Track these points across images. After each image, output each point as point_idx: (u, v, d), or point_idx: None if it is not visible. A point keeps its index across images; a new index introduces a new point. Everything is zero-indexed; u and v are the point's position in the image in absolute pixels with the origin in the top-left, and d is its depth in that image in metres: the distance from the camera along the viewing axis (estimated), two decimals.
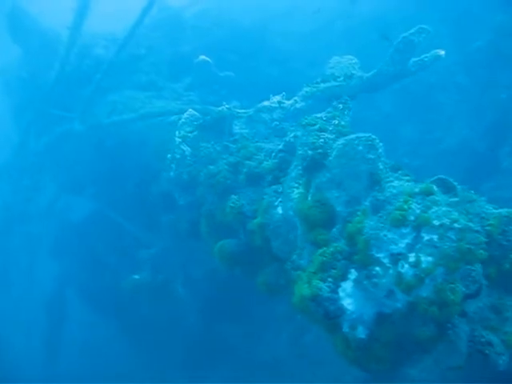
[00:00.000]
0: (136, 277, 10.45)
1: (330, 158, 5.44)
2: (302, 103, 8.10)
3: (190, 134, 8.48)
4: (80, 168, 13.46)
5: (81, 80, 13.89)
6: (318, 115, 6.36)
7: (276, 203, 6.24)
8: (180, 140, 8.43)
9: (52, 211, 14.67)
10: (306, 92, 8.10)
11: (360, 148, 5.13)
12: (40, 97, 14.36)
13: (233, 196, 7.08)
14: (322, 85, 8.14)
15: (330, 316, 4.90)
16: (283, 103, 8.05)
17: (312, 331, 12.04)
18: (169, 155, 9.12)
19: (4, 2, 15.37)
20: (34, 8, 15.45)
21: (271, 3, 16.60)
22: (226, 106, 8.09)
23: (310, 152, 5.70)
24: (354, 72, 8.47)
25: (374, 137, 5.15)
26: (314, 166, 5.64)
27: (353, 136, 5.21)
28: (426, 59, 7.63)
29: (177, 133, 8.67)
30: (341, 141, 5.32)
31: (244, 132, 7.92)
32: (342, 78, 8.16)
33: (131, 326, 12.76)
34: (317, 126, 6.18)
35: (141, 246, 12.33)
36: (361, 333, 4.91)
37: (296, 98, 8.13)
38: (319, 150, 5.69)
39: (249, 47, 14.92)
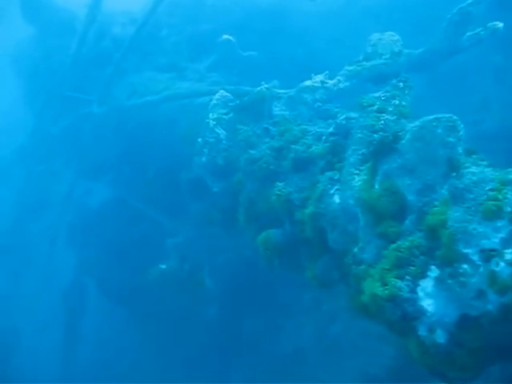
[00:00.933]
0: (163, 266, 9.92)
1: (403, 142, 4.86)
2: (346, 83, 7.51)
3: (224, 116, 7.90)
4: (98, 153, 12.89)
5: (98, 61, 13.30)
6: (376, 95, 5.75)
7: (332, 191, 5.67)
8: (214, 123, 7.86)
9: (69, 198, 14.07)
10: (350, 71, 7.50)
11: (439, 131, 4.55)
12: (55, 78, 13.74)
13: (278, 183, 6.51)
14: (366, 63, 7.53)
15: (407, 318, 4.35)
16: (326, 83, 7.44)
17: (338, 321, 11.57)
18: (200, 139, 8.55)
19: None
20: None
21: None
22: (265, 85, 7.49)
23: (376, 135, 5.11)
24: (398, 49, 7.87)
25: (455, 117, 4.56)
26: (382, 150, 5.05)
27: (431, 117, 4.63)
28: (482, 33, 7.02)
29: (210, 115, 8.08)
30: (416, 123, 4.74)
31: (285, 114, 7.31)
32: (388, 56, 7.54)
33: (153, 318, 12.26)
34: (375, 107, 5.58)
35: (163, 234, 11.83)
36: (440, 337, 4.37)
37: (339, 77, 7.52)
38: (387, 134, 5.10)
39: (269, 27, 14.21)
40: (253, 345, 11.77)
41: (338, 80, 7.43)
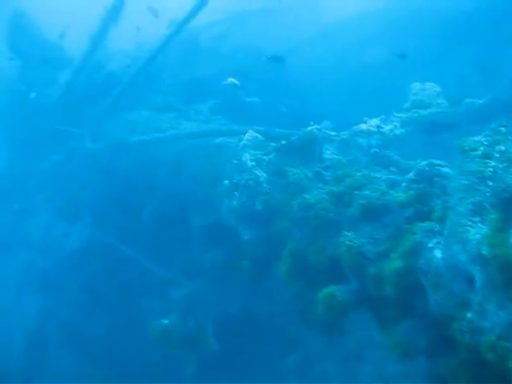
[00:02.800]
0: (165, 321, 8.66)
1: None
2: (402, 129, 6.79)
3: (264, 157, 6.98)
4: (84, 191, 11.66)
5: (90, 95, 12.25)
6: (476, 138, 5.00)
7: (430, 245, 4.79)
8: (253, 163, 6.91)
9: (44, 239, 12.61)
10: (407, 117, 6.80)
11: None
12: (40, 112, 12.55)
13: (346, 233, 5.58)
14: (423, 111, 6.86)
15: None
16: (382, 128, 6.69)
17: None
18: (226, 181, 7.59)
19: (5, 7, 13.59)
20: (38, 19, 13.70)
21: (290, 32, 15.66)
22: (316, 126, 6.66)
23: (502, 184, 4.31)
24: (440, 100, 7.29)
25: None
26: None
27: None
28: None
29: (244, 156, 7.15)
30: None
31: (339, 158, 6.49)
32: (445, 105, 6.91)
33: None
34: (479, 152, 4.82)
35: (153, 284, 10.62)
36: None
37: (395, 123, 6.80)
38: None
39: (267, 76, 13.63)
40: None
41: (395, 126, 6.69)
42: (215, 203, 8.20)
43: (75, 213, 11.83)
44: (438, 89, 7.71)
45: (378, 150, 6.51)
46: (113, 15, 10.34)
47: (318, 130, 6.61)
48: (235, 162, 7.75)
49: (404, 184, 5.46)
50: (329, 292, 5.52)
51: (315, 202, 6.06)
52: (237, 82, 11.92)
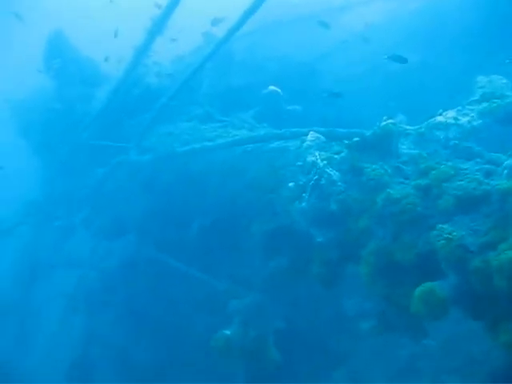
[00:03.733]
0: (227, 332, 8.28)
1: None
2: (479, 121, 6.44)
3: (336, 156, 6.66)
4: (129, 206, 11.36)
5: (129, 109, 12.02)
6: None
7: None
8: (324, 162, 6.58)
9: (88, 257, 12.30)
10: (484, 108, 6.45)
11: None
12: (78, 129, 12.33)
13: (442, 226, 5.21)
14: (500, 101, 6.52)
15: None
16: (459, 120, 6.35)
17: None
18: (291, 183, 7.28)
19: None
20: (74, 36, 13.57)
21: (320, 40, 15.49)
22: (391, 120, 6.34)
23: None
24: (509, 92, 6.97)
25: None
26: None
27: None
28: None
29: (315, 155, 6.83)
30: None
31: (415, 152, 6.15)
32: None
33: None
34: None
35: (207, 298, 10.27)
36: None
37: (472, 114, 6.46)
38: None
39: (299, 85, 13.39)
40: None
41: (472, 117, 6.35)
42: (277, 208, 7.89)
43: (119, 228, 11.51)
44: (504, 80, 7.39)
45: (457, 142, 6.14)
46: (160, 26, 10.10)
47: (394, 124, 6.27)
48: (299, 163, 7.46)
49: (506, 171, 5.08)
50: (427, 288, 5.15)
51: (401, 196, 5.72)
52: (278, 89, 11.69)
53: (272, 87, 11.44)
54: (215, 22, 11.38)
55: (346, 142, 6.54)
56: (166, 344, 11.32)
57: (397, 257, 5.76)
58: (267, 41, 14.59)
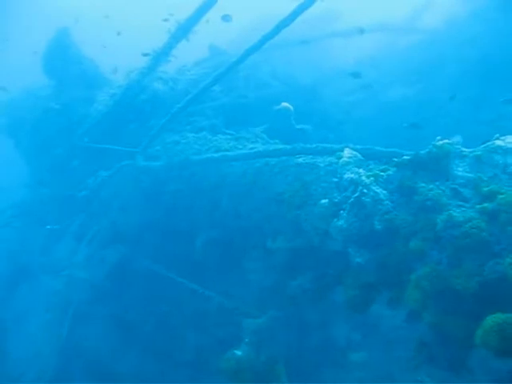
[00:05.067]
0: (238, 353, 7.62)
1: None
2: None
3: (382, 174, 6.20)
4: (128, 214, 10.62)
5: (134, 115, 11.38)
6: None
7: None
8: (371, 179, 6.12)
9: (75, 263, 11.40)
10: None
11: None
12: (78, 131, 11.60)
13: None
14: None
15: None
16: None
17: None
18: (324, 200, 6.78)
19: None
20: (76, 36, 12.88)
21: (324, 64, 15.34)
22: (447, 140, 5.94)
23: None
24: None
25: None
26: None
27: None
28: None
29: (358, 172, 6.40)
30: None
31: (475, 175, 5.76)
32: None
33: None
34: None
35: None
36: None
37: None
38: None
39: (302, 106, 13.05)
40: None
41: None
42: (304, 225, 7.36)
43: (115, 236, 10.74)
44: None
45: None
46: (186, 30, 9.56)
47: (451, 144, 5.87)
48: (335, 179, 6.98)
49: None
50: (502, 320, 4.67)
51: (464, 220, 5.30)
52: (290, 107, 11.26)
53: (285, 104, 11.00)
54: (226, 18, 10.81)
55: (396, 160, 6.08)
56: (153, 359, 10.58)
57: (454, 283, 5.31)
58: (272, 59, 14.25)
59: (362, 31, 14.78)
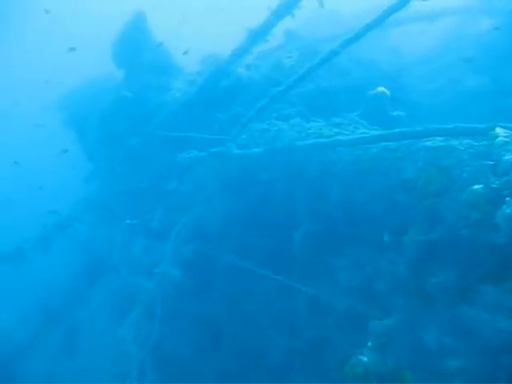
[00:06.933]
0: (364, 358, 6.74)
1: None
2: None
3: None
4: (213, 207, 9.84)
5: (218, 101, 10.59)
6: None
7: None
8: None
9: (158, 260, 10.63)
10: None
11: None
12: (155, 118, 10.85)
13: None
14: None
15: None
16: None
17: None
18: (477, 186, 5.85)
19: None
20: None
21: (401, 52, 14.46)
22: None
23: None
24: None
25: None
26: None
27: None
28: None
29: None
30: None
31: None
32: None
33: None
34: None
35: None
36: None
37: None
38: None
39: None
40: None
41: None
42: (445, 214, 6.43)
43: (201, 231, 9.96)
44: None
45: None
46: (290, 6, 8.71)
47: None
48: (489, 162, 6.04)
49: None
50: None
51: None
52: (387, 91, 10.36)
53: (381, 88, 10.08)
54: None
55: None
56: (236, 362, 9.83)
57: None
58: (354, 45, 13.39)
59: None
